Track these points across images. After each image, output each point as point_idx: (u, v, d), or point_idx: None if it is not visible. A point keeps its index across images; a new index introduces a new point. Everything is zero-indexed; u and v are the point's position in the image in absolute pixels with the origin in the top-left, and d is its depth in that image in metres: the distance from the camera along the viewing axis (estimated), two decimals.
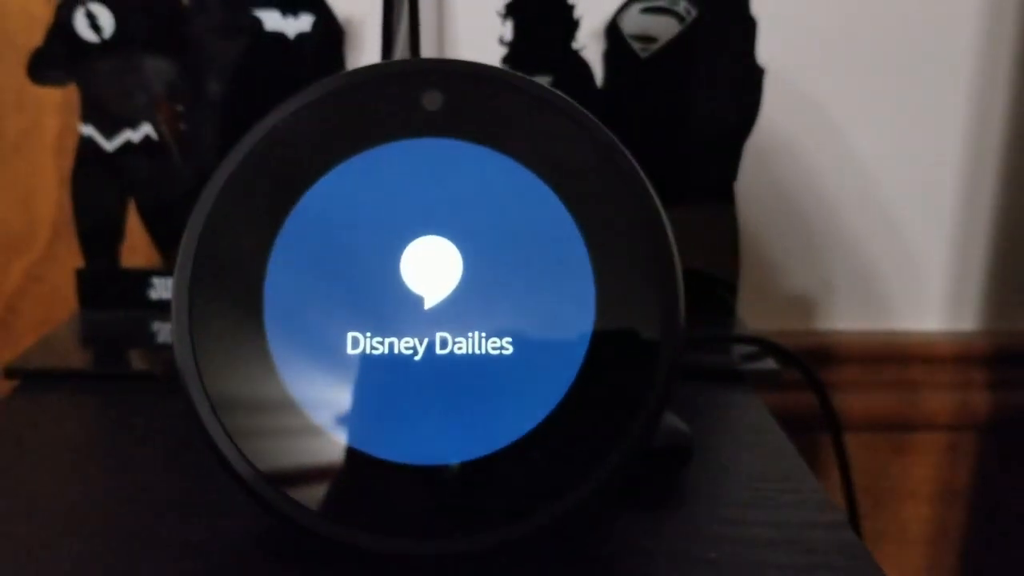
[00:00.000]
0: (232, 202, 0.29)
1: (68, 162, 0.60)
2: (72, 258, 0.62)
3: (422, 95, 0.30)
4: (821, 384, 0.49)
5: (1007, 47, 0.64)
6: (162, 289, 0.51)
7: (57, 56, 0.49)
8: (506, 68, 0.31)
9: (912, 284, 0.68)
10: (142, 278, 0.51)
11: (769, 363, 0.47)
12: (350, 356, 0.28)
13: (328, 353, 0.28)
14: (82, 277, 0.51)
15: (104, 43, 0.48)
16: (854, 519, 0.53)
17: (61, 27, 0.49)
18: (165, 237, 0.52)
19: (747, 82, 0.50)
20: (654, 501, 0.35)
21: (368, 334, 0.29)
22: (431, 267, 0.29)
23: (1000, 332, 0.69)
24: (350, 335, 0.28)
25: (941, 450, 0.69)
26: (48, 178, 0.62)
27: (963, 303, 0.69)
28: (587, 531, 0.32)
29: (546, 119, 0.30)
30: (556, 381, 0.29)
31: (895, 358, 0.67)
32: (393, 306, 0.29)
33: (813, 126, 0.63)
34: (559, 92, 0.30)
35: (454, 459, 0.28)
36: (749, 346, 0.49)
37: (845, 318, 0.68)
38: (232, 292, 0.28)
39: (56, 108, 0.61)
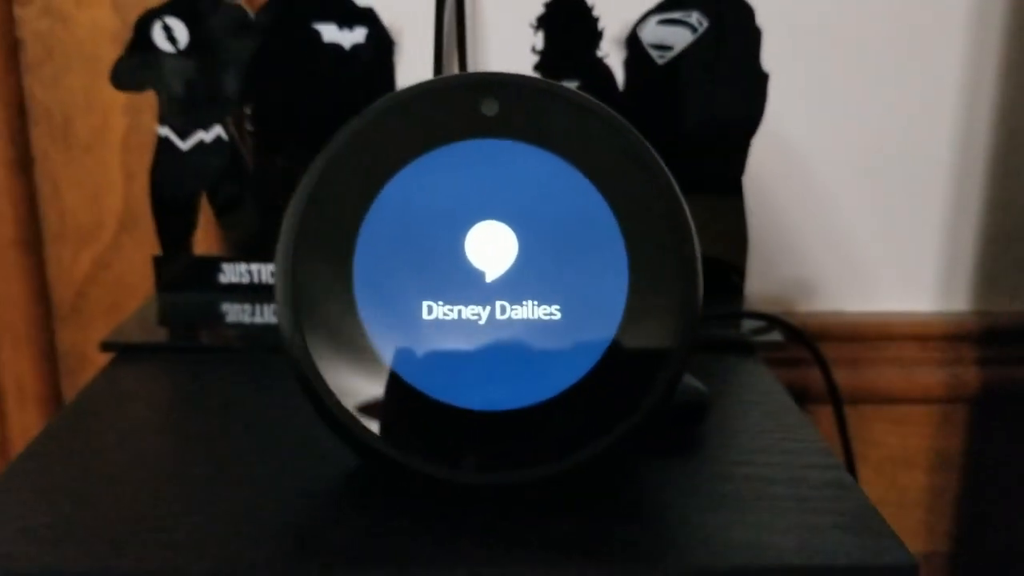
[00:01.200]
0: (327, 188, 0.34)
1: (135, 160, 0.66)
2: (137, 249, 0.68)
3: (481, 102, 0.35)
4: (822, 356, 0.54)
5: (997, 31, 0.68)
6: (231, 274, 0.56)
7: (136, 65, 0.54)
8: (551, 80, 0.36)
9: (905, 269, 0.73)
10: (213, 264, 0.57)
11: (775, 335, 0.53)
12: (425, 320, 0.34)
13: (407, 317, 0.34)
14: (159, 263, 0.57)
15: (179, 53, 0.54)
16: (852, 471, 0.58)
17: (140, 38, 0.54)
18: (233, 227, 0.57)
19: (753, 86, 0.55)
20: (676, 448, 0.40)
21: (440, 302, 0.34)
22: (491, 247, 0.34)
23: (987, 312, 0.74)
24: (425, 303, 0.34)
25: (934, 421, 0.75)
26: (115, 175, 0.67)
27: (953, 286, 0.74)
28: (620, 472, 0.38)
29: (586, 122, 0.35)
30: (595, 343, 0.34)
31: (891, 337, 0.72)
32: (460, 279, 0.34)
33: (807, 120, 0.68)
34: (596, 100, 0.36)
35: (509, 406, 0.34)
36: (757, 321, 0.54)
37: (843, 300, 0.73)
38: (327, 264, 0.34)
39: (123, 110, 0.66)
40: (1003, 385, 0.73)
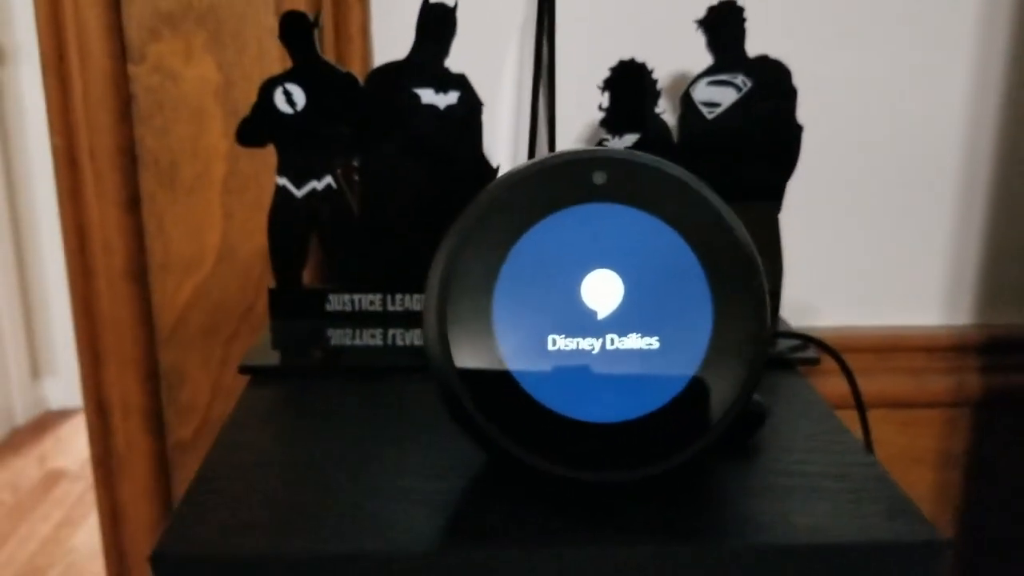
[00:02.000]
0: (471, 241, 0.43)
1: (232, 200, 0.74)
2: (232, 278, 0.76)
3: (593, 173, 0.44)
4: (849, 369, 0.62)
5: (1001, 52, 0.76)
6: (336, 303, 0.64)
7: (260, 124, 0.62)
8: (649, 155, 0.44)
9: (914, 285, 0.82)
10: (320, 295, 0.65)
11: (811, 353, 0.61)
12: (550, 350, 0.43)
13: (536, 348, 0.43)
14: (273, 295, 0.65)
15: (297, 114, 0.62)
16: None
17: (263, 101, 0.62)
18: (339, 263, 0.65)
19: (789, 137, 0.63)
20: (741, 451, 0.49)
21: (562, 335, 0.43)
22: (602, 290, 0.43)
23: (990, 325, 0.83)
24: (550, 336, 0.43)
25: (941, 424, 0.83)
26: (215, 214, 0.75)
27: (958, 301, 0.82)
28: (698, 474, 0.47)
29: (678, 189, 0.44)
30: (686, 369, 0.43)
31: (902, 348, 0.81)
32: (577, 317, 0.43)
33: (816, 141, 0.76)
34: (684, 169, 0.44)
35: (616, 418, 0.43)
36: (794, 340, 0.63)
37: (860, 315, 0.82)
38: (471, 303, 0.42)
39: (223, 157, 0.74)
40: (1003, 392, 0.82)
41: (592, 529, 0.41)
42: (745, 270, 0.43)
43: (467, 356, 0.42)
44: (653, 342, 0.43)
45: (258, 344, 0.62)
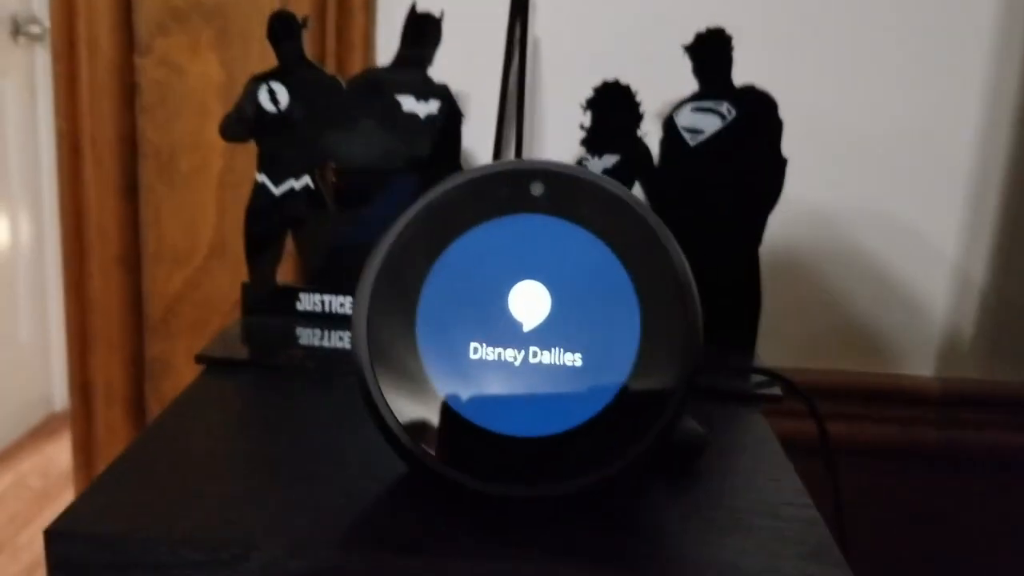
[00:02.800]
0: (401, 248, 0.43)
1: (228, 195, 0.75)
2: (223, 272, 0.77)
3: (530, 184, 0.43)
4: (815, 408, 0.60)
5: (1011, 96, 0.75)
6: (307, 302, 0.65)
7: (243, 120, 0.63)
8: (587, 168, 0.44)
9: (909, 335, 0.80)
10: (292, 293, 0.65)
11: (775, 390, 0.60)
12: (472, 359, 0.42)
13: (457, 355, 0.42)
14: (246, 290, 0.65)
15: (280, 113, 0.63)
16: (839, 519, 0.64)
17: (248, 98, 0.63)
18: (312, 262, 0.65)
19: (773, 168, 0.62)
20: (677, 480, 0.47)
21: (484, 344, 0.42)
22: (529, 302, 0.42)
23: (981, 381, 0.80)
24: (472, 344, 0.42)
25: (924, 474, 0.80)
26: (210, 208, 0.77)
27: (954, 353, 0.80)
28: (629, 496, 0.45)
29: (613, 205, 0.43)
30: (609, 385, 0.42)
31: (888, 396, 0.79)
32: (502, 327, 0.42)
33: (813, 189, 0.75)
34: (623, 187, 0.44)
35: (536, 433, 0.42)
36: (762, 376, 0.61)
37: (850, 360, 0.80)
38: (396, 308, 0.42)
39: (221, 152, 0.76)
40: (996, 448, 0.79)
41: (502, 545, 0.41)
42: (677, 290, 0.43)
43: (388, 361, 0.42)
44: (576, 359, 0.42)
45: (226, 335, 0.63)
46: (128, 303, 0.78)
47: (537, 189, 0.43)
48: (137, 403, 0.81)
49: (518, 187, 0.43)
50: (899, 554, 0.82)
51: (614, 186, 0.43)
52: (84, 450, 0.81)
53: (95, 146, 0.75)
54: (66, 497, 2.07)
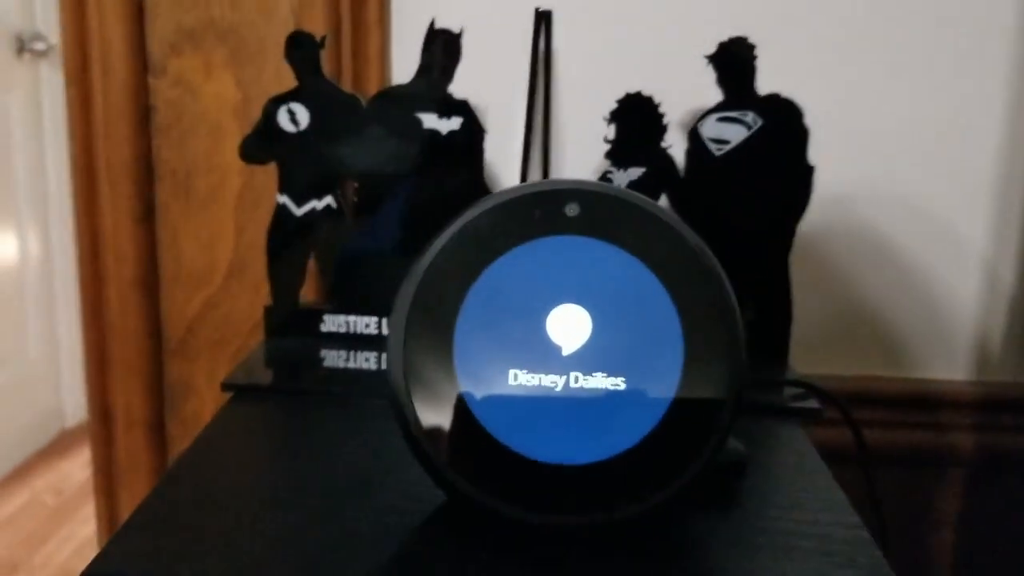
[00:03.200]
0: (435, 275, 0.42)
1: (246, 216, 0.74)
2: (242, 293, 0.76)
3: (565, 205, 0.42)
4: (852, 419, 0.59)
5: None
6: (331, 324, 0.64)
7: (263, 141, 0.62)
8: (621, 187, 0.43)
9: (940, 340, 0.78)
10: (315, 315, 0.64)
11: (812, 403, 0.59)
12: (511, 385, 0.41)
13: (496, 382, 0.41)
14: (269, 312, 0.64)
15: (300, 133, 0.62)
16: (882, 533, 0.63)
17: (267, 119, 0.62)
18: (336, 284, 0.64)
19: (800, 177, 0.61)
20: (718, 503, 0.47)
21: (524, 371, 0.41)
22: (569, 325, 0.41)
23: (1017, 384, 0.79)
24: (511, 371, 0.41)
25: (964, 484, 0.79)
26: (228, 228, 0.76)
27: (986, 357, 0.79)
28: (671, 522, 0.44)
29: (652, 224, 0.42)
30: (654, 410, 0.41)
31: (925, 403, 0.78)
32: (541, 352, 0.41)
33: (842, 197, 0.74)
34: (660, 205, 0.43)
35: (579, 460, 0.41)
36: (797, 388, 0.60)
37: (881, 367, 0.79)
38: (432, 335, 0.41)
39: (238, 172, 0.75)
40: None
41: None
42: (720, 310, 0.42)
43: (426, 389, 0.41)
44: (619, 382, 0.41)
45: (249, 360, 0.62)
46: (146, 326, 0.77)
47: (572, 210, 0.42)
48: (157, 427, 0.80)
49: (552, 208, 0.42)
50: (940, 562, 0.80)
51: (651, 205, 0.42)
52: (105, 474, 0.81)
53: (110, 169, 0.74)
54: (81, 514, 2.06)
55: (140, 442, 0.80)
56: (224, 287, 0.76)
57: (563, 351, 0.41)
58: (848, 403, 0.59)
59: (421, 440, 0.41)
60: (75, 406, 2.53)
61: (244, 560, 0.40)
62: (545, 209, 0.42)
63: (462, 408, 0.41)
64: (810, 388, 0.60)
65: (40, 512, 2.04)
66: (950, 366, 0.79)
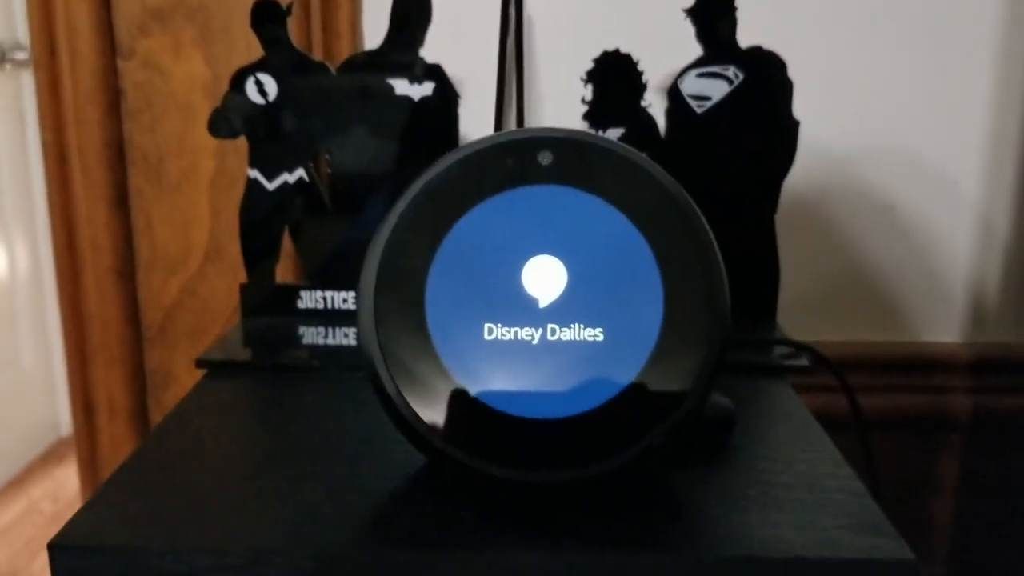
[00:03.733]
0: (404, 230, 0.40)
1: (221, 198, 0.73)
2: (220, 277, 0.75)
3: (538, 154, 0.41)
4: (846, 381, 0.58)
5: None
6: (308, 300, 0.62)
7: (231, 115, 0.61)
8: (597, 133, 0.41)
9: (934, 301, 0.77)
10: (292, 291, 0.63)
11: (802, 360, 0.57)
12: (486, 340, 0.40)
13: (471, 337, 0.40)
14: (245, 290, 0.63)
15: (269, 105, 0.60)
16: (877, 498, 0.62)
17: (234, 91, 0.60)
18: (311, 259, 0.63)
19: (785, 132, 0.60)
20: (707, 456, 0.45)
21: (499, 324, 0.40)
22: (544, 277, 0.40)
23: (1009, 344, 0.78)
24: (486, 325, 0.40)
25: (961, 447, 0.78)
26: (203, 211, 0.74)
27: (981, 317, 0.77)
28: (658, 477, 0.43)
29: (629, 170, 0.41)
30: (634, 361, 0.39)
31: (918, 365, 0.76)
32: (517, 305, 0.40)
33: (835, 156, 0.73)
34: (637, 151, 0.41)
35: (558, 414, 0.39)
36: (787, 348, 0.59)
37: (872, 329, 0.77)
38: (403, 293, 0.40)
39: (211, 153, 0.73)
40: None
41: (530, 534, 0.38)
42: (701, 258, 0.40)
43: (400, 351, 0.40)
44: (598, 333, 0.40)
45: (227, 339, 0.60)
46: (125, 314, 0.76)
47: (545, 158, 0.41)
48: (140, 416, 0.79)
49: (523, 158, 0.41)
50: (938, 525, 0.79)
51: (626, 150, 0.41)
52: (89, 467, 0.79)
53: (82, 155, 0.72)
54: None
55: (124, 432, 0.79)
56: (201, 273, 0.75)
57: (540, 303, 0.40)
58: (842, 368, 0.58)
59: (396, 401, 0.40)
60: (70, 414, 2.51)
61: (219, 526, 0.38)
62: (516, 159, 0.41)
63: (437, 366, 0.39)
64: (802, 348, 0.58)
65: (38, 520, 2.02)
66: (945, 328, 0.77)
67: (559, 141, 0.41)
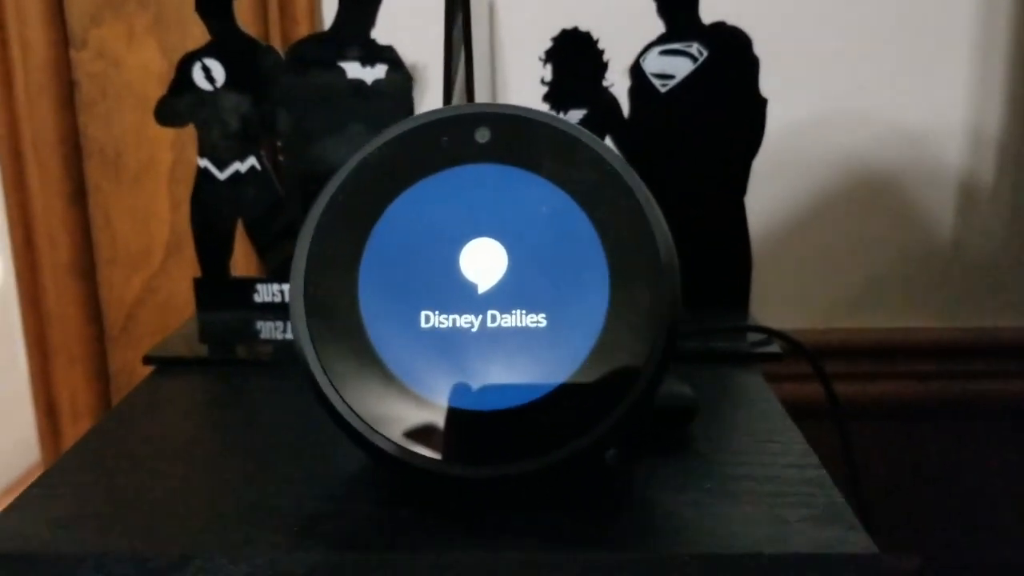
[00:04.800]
0: (334, 215, 0.38)
1: (180, 191, 0.71)
2: (182, 273, 0.73)
3: (475, 131, 0.39)
4: (821, 368, 0.56)
5: (1002, 59, 0.70)
6: (265, 294, 0.60)
7: (178, 102, 0.59)
8: (536, 108, 0.39)
9: (912, 286, 0.75)
10: (248, 285, 0.61)
11: (773, 348, 0.55)
12: (423, 328, 0.38)
13: (407, 326, 0.37)
14: (199, 285, 0.61)
15: (217, 91, 0.58)
16: (856, 488, 0.59)
17: (182, 78, 0.58)
18: (267, 250, 0.61)
19: (752, 111, 0.57)
20: (666, 448, 0.43)
21: (436, 312, 0.38)
22: (483, 261, 0.38)
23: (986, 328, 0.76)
24: (423, 312, 0.38)
25: (938, 434, 0.76)
26: (162, 204, 0.72)
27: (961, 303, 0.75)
28: (613, 471, 0.41)
29: (571, 148, 0.38)
30: (578, 348, 0.37)
31: (896, 352, 0.74)
32: (455, 291, 0.38)
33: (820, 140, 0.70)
34: (579, 127, 0.39)
35: (500, 406, 0.37)
36: (758, 335, 0.57)
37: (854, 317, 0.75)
38: (335, 281, 0.38)
39: (169, 145, 0.71)
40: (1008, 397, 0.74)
41: (472, 532, 0.36)
42: (648, 239, 0.38)
43: (332, 341, 0.37)
44: (540, 319, 0.37)
45: (177, 334, 0.58)
46: (86, 313, 0.74)
47: (483, 136, 0.38)
48: None
49: (460, 135, 0.38)
50: (918, 513, 0.77)
51: (567, 125, 0.39)
52: None
53: (37, 149, 0.70)
54: None
55: None
56: (162, 269, 0.73)
57: (479, 289, 0.38)
58: (818, 355, 0.55)
59: (329, 395, 0.37)
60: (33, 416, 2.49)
61: (143, 530, 0.36)
62: (452, 136, 0.39)
63: (372, 357, 0.37)
64: (773, 334, 0.56)
65: None
66: (922, 312, 0.75)
67: (497, 117, 0.39)
